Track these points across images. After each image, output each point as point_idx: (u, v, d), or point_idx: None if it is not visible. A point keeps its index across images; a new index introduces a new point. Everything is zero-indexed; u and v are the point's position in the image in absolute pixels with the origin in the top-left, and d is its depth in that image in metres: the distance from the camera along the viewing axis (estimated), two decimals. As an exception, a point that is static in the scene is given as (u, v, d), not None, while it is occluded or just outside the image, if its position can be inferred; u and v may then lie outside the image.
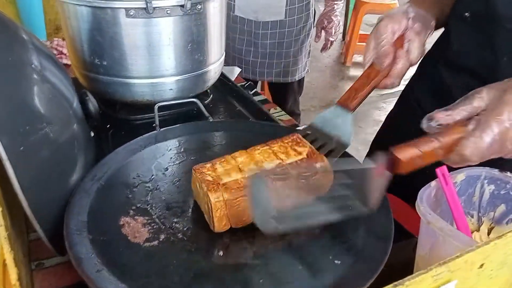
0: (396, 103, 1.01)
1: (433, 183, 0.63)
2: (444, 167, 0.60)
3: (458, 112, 0.54)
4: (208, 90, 1.05)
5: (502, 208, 0.67)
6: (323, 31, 1.97)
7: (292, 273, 0.57)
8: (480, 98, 0.54)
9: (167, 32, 0.85)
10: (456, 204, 0.63)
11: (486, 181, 0.67)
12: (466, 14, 0.75)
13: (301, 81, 2.00)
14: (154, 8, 0.80)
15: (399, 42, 0.72)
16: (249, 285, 0.55)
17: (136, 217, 0.64)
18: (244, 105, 1.05)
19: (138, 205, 0.66)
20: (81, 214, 0.62)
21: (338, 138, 0.69)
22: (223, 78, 1.13)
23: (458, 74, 0.81)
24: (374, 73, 0.71)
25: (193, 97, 0.95)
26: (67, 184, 0.66)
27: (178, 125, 0.85)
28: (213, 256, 0.59)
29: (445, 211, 0.63)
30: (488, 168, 0.65)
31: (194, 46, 0.90)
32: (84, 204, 0.64)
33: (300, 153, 0.66)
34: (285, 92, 1.99)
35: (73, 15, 0.85)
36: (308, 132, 0.72)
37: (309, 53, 1.94)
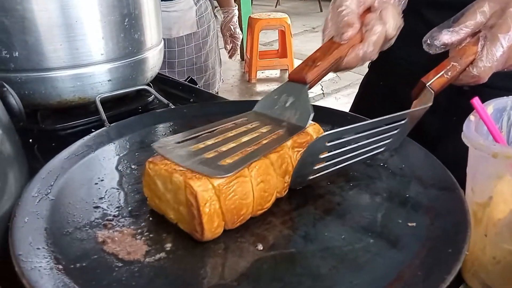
0: (369, 70, 0.91)
1: (471, 117, 0.53)
2: (477, 98, 0.52)
3: (462, 31, 0.53)
4: (151, 84, 0.86)
5: (534, 138, 0.59)
6: (230, 37, 1.97)
7: (365, 250, 0.41)
8: (482, 13, 0.52)
9: (96, 2, 0.66)
10: (499, 134, 0.53)
11: (512, 111, 0.59)
12: None
13: (217, 93, 1.94)
14: (78, -32, 0.61)
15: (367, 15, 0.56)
16: (320, 278, 0.38)
17: (119, 229, 0.44)
18: (196, 96, 0.88)
19: (116, 214, 0.46)
20: (35, 240, 0.41)
21: (289, 121, 0.52)
22: (160, 74, 0.95)
23: (448, 12, 0.72)
24: (336, 45, 0.54)
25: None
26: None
27: (134, 117, 0.65)
28: (252, 253, 0.41)
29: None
30: (513, 95, 0.58)
31: (132, 21, 0.72)
32: (34, 228, 0.43)
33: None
34: None
35: (-39, -7, 0.62)
36: (245, 119, 0.53)
37: (221, 61, 1.89)
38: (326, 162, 0.47)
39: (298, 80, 0.52)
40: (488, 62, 0.51)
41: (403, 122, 0.49)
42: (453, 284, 0.36)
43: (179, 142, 0.47)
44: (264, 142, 0.47)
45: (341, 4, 0.55)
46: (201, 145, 0.47)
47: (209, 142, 0.47)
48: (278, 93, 0.54)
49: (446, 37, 0.53)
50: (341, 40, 0.54)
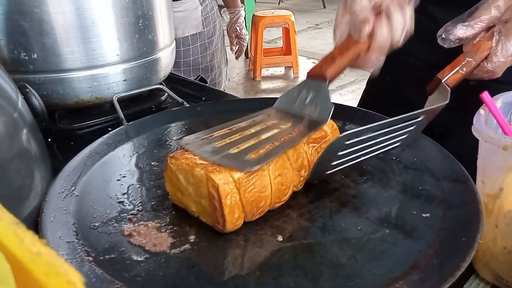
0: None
1: (481, 110, 0.54)
2: (486, 92, 0.53)
3: (477, 25, 0.53)
4: (163, 83, 0.87)
5: (542, 131, 0.60)
6: (236, 38, 1.96)
7: (382, 240, 0.43)
8: (497, 7, 0.52)
9: (111, 4, 0.68)
10: (508, 127, 0.54)
11: (520, 104, 0.60)
12: None
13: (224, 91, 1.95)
14: (95, -29, 0.63)
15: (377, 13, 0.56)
16: (339, 267, 0.40)
17: (144, 223, 0.45)
18: (207, 94, 0.90)
19: (140, 209, 0.48)
20: (64, 235, 0.43)
21: (310, 117, 0.53)
22: (172, 74, 0.97)
23: (454, 8, 0.73)
24: (353, 42, 0.54)
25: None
26: (27, 206, 0.46)
27: (150, 115, 0.67)
28: (272, 244, 0.43)
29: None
30: (521, 89, 0.59)
31: (146, 23, 0.73)
32: (62, 223, 0.45)
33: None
34: None
35: (-19, -3, 0.64)
36: (266, 115, 0.54)
37: (227, 60, 1.88)
38: (344, 158, 0.49)
39: (318, 77, 0.53)
40: (502, 57, 0.52)
41: (419, 119, 0.50)
42: (464, 274, 0.38)
43: (203, 139, 0.49)
44: (286, 137, 0.49)
45: (354, 1, 0.56)
46: (225, 141, 0.48)
47: (233, 138, 0.49)
48: (297, 89, 0.55)
49: (461, 31, 0.53)
50: (360, 37, 0.53)
